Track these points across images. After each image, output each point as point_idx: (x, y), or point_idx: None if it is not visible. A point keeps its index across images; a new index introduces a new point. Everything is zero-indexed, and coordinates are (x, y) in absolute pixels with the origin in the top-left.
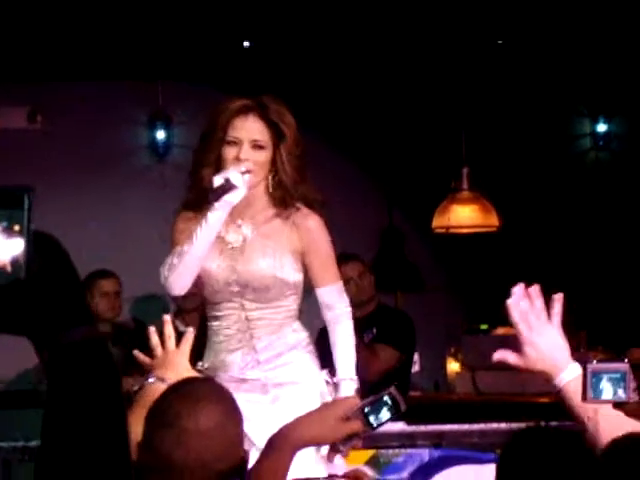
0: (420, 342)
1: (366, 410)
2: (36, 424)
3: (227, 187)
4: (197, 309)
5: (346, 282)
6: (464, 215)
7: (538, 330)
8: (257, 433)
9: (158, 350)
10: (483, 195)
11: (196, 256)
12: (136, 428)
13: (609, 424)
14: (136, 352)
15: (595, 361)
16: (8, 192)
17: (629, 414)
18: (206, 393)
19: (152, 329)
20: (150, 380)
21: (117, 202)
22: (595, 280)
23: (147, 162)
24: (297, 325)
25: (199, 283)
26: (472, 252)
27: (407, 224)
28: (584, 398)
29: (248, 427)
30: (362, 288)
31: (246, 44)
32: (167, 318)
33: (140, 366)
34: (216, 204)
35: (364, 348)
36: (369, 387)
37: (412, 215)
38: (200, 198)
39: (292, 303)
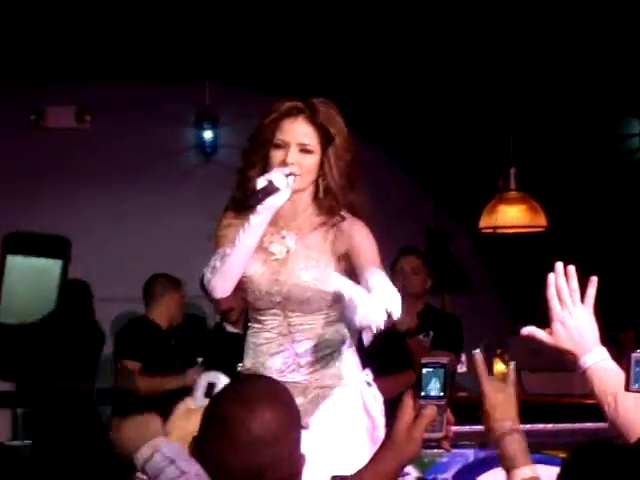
0: (466, 343)
1: (422, 394)
2: None
3: (270, 189)
4: (240, 311)
5: (398, 273)
6: (512, 215)
7: (570, 309)
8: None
9: None
10: (531, 195)
11: (238, 259)
12: None
13: (628, 412)
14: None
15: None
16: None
17: None
18: (264, 397)
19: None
20: None
21: (165, 202)
22: None
23: (194, 162)
24: (339, 327)
25: (241, 289)
26: (519, 252)
27: (454, 224)
28: (627, 386)
29: None
30: (411, 282)
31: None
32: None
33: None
34: (259, 207)
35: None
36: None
37: (459, 215)
38: (245, 199)
39: (335, 310)
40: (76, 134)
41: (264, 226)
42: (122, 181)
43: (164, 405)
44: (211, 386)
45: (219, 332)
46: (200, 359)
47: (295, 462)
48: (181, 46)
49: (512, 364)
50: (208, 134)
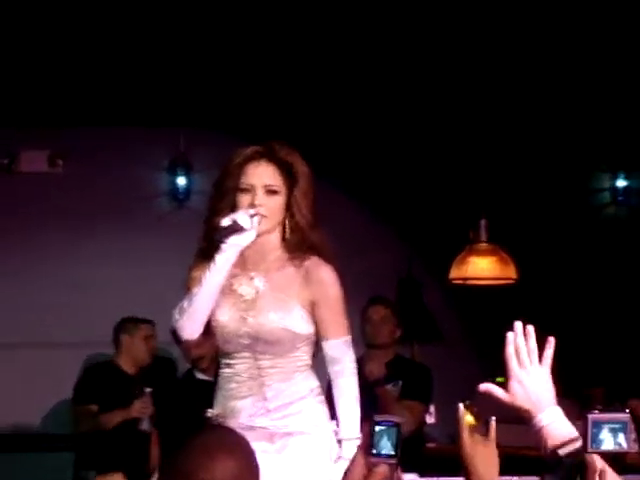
0: (436, 394)
1: (373, 452)
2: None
3: (234, 228)
4: (211, 359)
5: (367, 322)
6: (482, 267)
7: (527, 368)
8: None
9: None
10: (501, 247)
11: (205, 298)
12: None
13: None
14: None
15: (596, 411)
16: None
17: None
18: (225, 445)
19: None
20: None
21: (138, 247)
22: (612, 335)
23: (167, 208)
24: (308, 374)
25: (211, 334)
26: (490, 304)
27: (425, 274)
28: (585, 448)
29: None
30: (380, 333)
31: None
32: None
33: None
34: (223, 246)
35: (398, 405)
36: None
37: (430, 265)
38: (213, 246)
39: (304, 354)
40: (49, 178)
41: (229, 265)
42: (94, 226)
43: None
44: None
45: (189, 379)
46: (148, 389)
47: None
48: (156, 91)
49: (493, 419)
50: (181, 180)
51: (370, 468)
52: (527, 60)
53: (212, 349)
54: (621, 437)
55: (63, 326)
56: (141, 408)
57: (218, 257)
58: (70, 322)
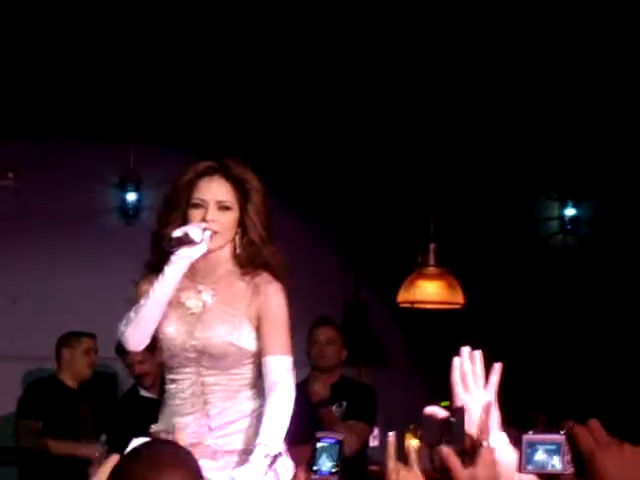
0: (381, 417)
1: (314, 469)
2: None
3: (186, 240)
4: (155, 376)
5: (313, 343)
6: (430, 291)
7: (474, 394)
8: None
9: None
10: (449, 272)
11: (153, 309)
12: None
13: None
14: None
15: (531, 432)
16: None
17: None
18: (169, 458)
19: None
20: None
21: (87, 262)
22: (556, 361)
23: (117, 223)
24: (252, 393)
25: (156, 349)
26: (437, 328)
27: (373, 297)
28: (519, 468)
29: None
30: (325, 354)
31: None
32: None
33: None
34: (173, 257)
35: (341, 426)
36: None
37: (378, 288)
38: (162, 260)
39: (249, 371)
40: None
41: (179, 277)
42: (42, 239)
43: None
44: None
45: (133, 396)
46: (104, 437)
47: None
48: (107, 106)
49: (414, 443)
50: (131, 196)
51: None
52: (479, 85)
53: (156, 366)
54: (556, 459)
55: (5, 339)
56: (91, 453)
57: (167, 268)
58: (13, 335)
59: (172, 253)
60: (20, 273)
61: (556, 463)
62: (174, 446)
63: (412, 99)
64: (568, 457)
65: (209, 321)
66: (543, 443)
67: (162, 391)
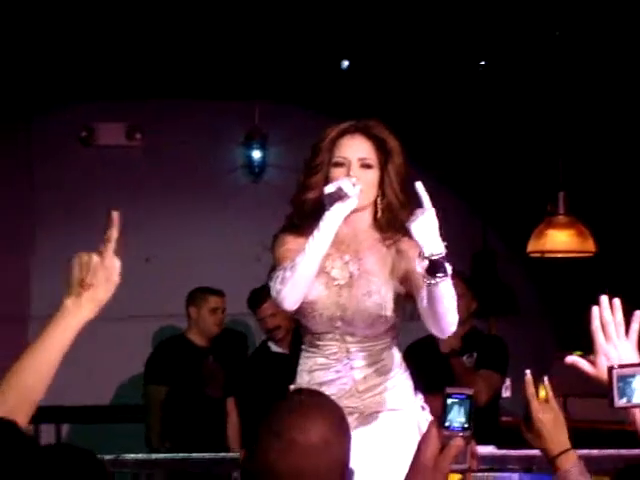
0: (512, 367)
1: (446, 425)
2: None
3: (340, 195)
4: (286, 330)
5: None
6: (560, 240)
7: (614, 342)
8: (353, 458)
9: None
10: (579, 220)
11: (309, 267)
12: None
13: None
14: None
15: (617, 365)
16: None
17: None
18: (318, 406)
19: None
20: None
21: (214, 220)
22: None
23: (242, 181)
24: (394, 351)
25: (297, 312)
26: (567, 277)
27: (501, 247)
28: (611, 403)
29: None
30: None
31: (345, 64)
32: None
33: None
34: (327, 213)
35: (472, 375)
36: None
37: (506, 238)
38: (303, 223)
39: (392, 335)
40: (126, 151)
41: (333, 233)
42: (170, 199)
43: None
44: None
45: (263, 352)
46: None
47: (344, 473)
48: (232, 64)
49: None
50: (257, 153)
51: (444, 442)
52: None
53: (287, 320)
54: None
55: (138, 298)
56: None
57: (322, 224)
58: (143, 296)
59: (326, 209)
60: (150, 233)
61: None
62: (321, 395)
63: (537, 48)
64: None
65: (356, 292)
66: (634, 375)
67: (295, 348)
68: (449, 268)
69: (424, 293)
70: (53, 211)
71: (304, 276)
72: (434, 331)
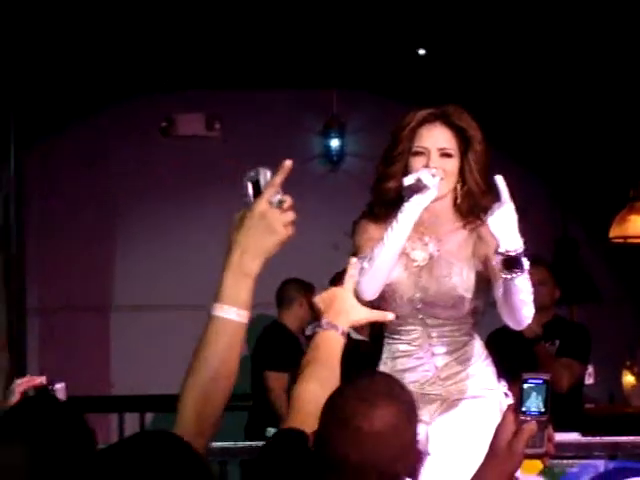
0: (595, 354)
1: (523, 409)
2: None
3: (419, 187)
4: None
5: None
6: None
7: None
8: (435, 444)
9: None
10: None
11: (388, 258)
12: (307, 385)
13: None
14: (315, 298)
15: None
16: None
17: None
18: (384, 392)
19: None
20: (322, 326)
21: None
22: None
23: (321, 170)
24: (476, 337)
25: (381, 297)
26: None
27: (582, 234)
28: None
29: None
30: (538, 293)
31: (421, 52)
32: (353, 260)
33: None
34: (406, 204)
35: (555, 362)
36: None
37: (587, 224)
38: (383, 212)
39: (473, 319)
40: (205, 141)
41: (412, 224)
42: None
43: None
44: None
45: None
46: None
47: (413, 457)
48: (309, 54)
49: (630, 379)
50: (335, 142)
51: (520, 426)
52: None
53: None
54: None
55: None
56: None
57: (401, 216)
58: None
59: (406, 201)
60: (229, 222)
61: None
62: (389, 380)
63: (628, 30)
64: None
65: (437, 274)
66: None
67: (376, 336)
68: (526, 264)
69: (501, 282)
70: (130, 202)
71: (382, 267)
72: (509, 322)
